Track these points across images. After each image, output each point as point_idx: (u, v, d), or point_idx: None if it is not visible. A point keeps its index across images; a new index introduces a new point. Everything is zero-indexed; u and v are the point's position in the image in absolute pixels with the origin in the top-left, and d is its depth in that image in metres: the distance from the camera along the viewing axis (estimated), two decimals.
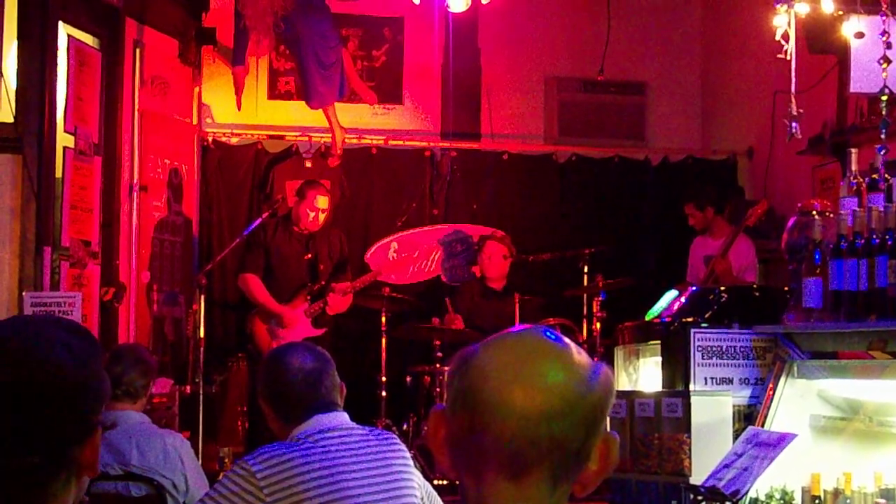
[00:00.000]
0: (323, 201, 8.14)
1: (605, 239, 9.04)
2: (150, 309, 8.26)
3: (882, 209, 4.17)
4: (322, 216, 8.15)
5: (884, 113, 4.65)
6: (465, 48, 9.76)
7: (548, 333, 1.71)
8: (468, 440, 1.66)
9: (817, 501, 4.30)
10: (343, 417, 3.42)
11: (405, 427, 7.90)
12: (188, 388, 7.62)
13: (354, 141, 9.32)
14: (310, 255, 8.15)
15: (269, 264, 8.09)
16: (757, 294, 5.49)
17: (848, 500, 4.25)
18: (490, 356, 1.68)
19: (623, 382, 5.23)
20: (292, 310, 8.03)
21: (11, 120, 6.73)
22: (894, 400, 4.34)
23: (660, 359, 5.00)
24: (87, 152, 7.29)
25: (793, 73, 5.02)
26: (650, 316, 5.39)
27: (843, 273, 4.23)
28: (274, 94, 9.58)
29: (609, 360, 5.58)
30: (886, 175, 4.32)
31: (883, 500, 4.17)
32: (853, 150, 4.61)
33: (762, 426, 4.48)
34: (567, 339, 1.71)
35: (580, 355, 1.69)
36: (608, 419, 1.74)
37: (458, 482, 1.71)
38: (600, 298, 8.10)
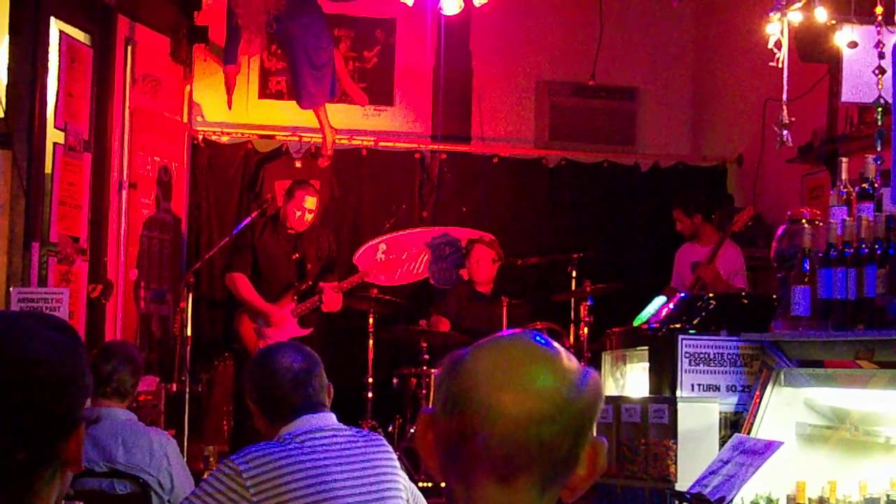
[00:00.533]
0: (311, 202, 8.11)
1: (593, 244, 9.05)
2: (137, 306, 8.24)
3: (871, 219, 4.18)
4: (309, 216, 8.12)
5: (879, 123, 4.66)
6: (457, 51, 9.76)
7: (538, 338, 1.70)
8: (457, 444, 1.65)
9: None
10: (330, 418, 3.42)
11: (391, 429, 7.91)
12: (174, 386, 7.62)
13: (345, 142, 9.32)
14: (297, 255, 8.12)
15: (256, 263, 8.06)
16: (745, 302, 5.49)
17: None
18: (480, 360, 1.67)
19: (610, 387, 5.23)
20: (279, 309, 8.00)
21: (1, 115, 6.71)
22: (880, 409, 4.35)
23: (647, 364, 5.00)
24: (76, 148, 7.28)
25: (784, 82, 5.03)
26: (638, 321, 5.39)
27: (831, 282, 4.23)
28: (265, 93, 9.57)
29: (596, 365, 5.58)
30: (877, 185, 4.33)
31: None
32: (843, 160, 4.62)
33: (748, 433, 4.49)
34: (557, 344, 1.71)
35: (570, 360, 1.69)
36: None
37: (445, 485, 1.71)
38: (588, 303, 8.10)
